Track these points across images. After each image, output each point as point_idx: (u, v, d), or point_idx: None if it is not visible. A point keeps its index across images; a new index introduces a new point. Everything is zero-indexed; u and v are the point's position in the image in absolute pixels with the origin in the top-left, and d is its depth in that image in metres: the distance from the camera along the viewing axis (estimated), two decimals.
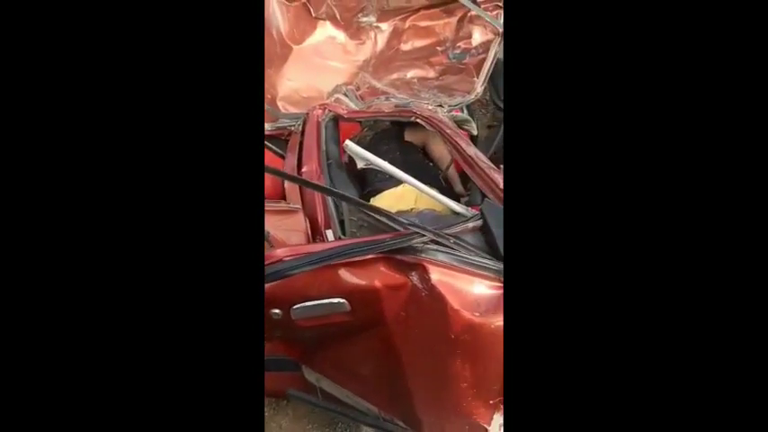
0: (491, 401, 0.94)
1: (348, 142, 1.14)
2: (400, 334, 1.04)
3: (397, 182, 1.55)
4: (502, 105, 2.49)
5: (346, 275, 0.99)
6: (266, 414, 1.54)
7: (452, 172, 1.65)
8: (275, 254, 0.92)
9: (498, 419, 0.95)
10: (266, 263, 0.91)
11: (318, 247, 0.96)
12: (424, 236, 0.92)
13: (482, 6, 1.69)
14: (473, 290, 0.91)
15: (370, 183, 1.60)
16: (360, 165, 1.14)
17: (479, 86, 1.61)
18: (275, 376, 1.35)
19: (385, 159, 1.16)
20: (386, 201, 1.52)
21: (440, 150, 1.71)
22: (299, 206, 1.42)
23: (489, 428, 0.96)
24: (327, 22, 1.96)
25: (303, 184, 1.28)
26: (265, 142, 1.73)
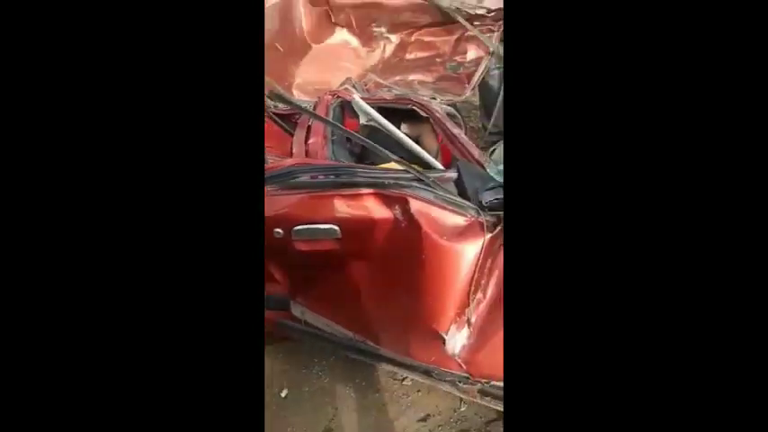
0: (450, 312, 1.12)
1: (355, 97, 1.37)
2: (381, 264, 1.24)
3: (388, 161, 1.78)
4: (494, 130, 2.79)
5: (341, 204, 1.19)
6: None
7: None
8: (284, 163, 1.14)
9: (454, 330, 1.14)
10: (277, 169, 1.12)
11: (319, 162, 1.17)
12: (410, 174, 1.14)
13: (477, 28, 2.00)
14: (444, 219, 1.12)
15: (366, 158, 1.83)
16: (362, 120, 1.37)
17: (468, 91, 1.89)
18: (267, 315, 1.52)
19: (382, 146, 1.39)
20: None
21: (430, 143, 1.96)
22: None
23: (446, 337, 1.14)
24: (345, 29, 2.26)
25: (315, 117, 1.47)
26: (277, 119, 1.96)
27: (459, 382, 1.21)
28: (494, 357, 1.14)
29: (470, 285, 1.11)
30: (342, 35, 2.26)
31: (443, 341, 1.16)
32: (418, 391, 1.51)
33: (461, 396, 1.37)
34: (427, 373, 1.27)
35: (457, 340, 1.15)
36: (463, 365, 1.17)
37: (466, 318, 1.14)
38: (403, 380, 1.55)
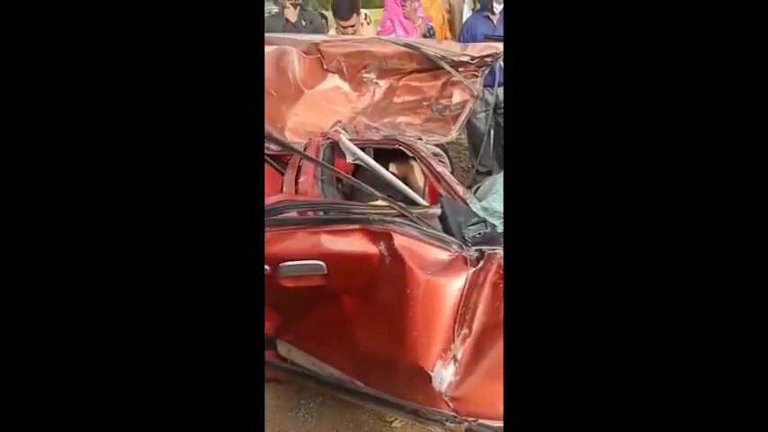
0: (435, 349, 1.11)
1: (342, 137, 1.42)
2: (367, 300, 1.24)
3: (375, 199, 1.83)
4: (482, 169, 2.88)
5: (327, 240, 1.21)
6: None
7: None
8: (270, 199, 1.16)
9: (440, 368, 1.12)
10: (266, 204, 1.15)
11: (306, 198, 1.20)
12: (394, 209, 1.17)
13: (462, 74, 2.10)
14: (427, 254, 1.14)
15: (355, 197, 1.86)
16: (349, 159, 1.42)
17: (454, 132, 1.97)
18: None
19: (370, 184, 1.43)
20: None
21: (417, 182, 2.01)
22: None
23: (432, 375, 1.12)
24: (336, 75, 2.37)
25: (303, 156, 1.51)
26: (269, 160, 2.01)
27: (447, 421, 1.19)
28: (481, 395, 1.12)
29: (455, 320, 1.11)
30: (333, 81, 2.36)
31: (430, 379, 1.14)
32: None
33: None
34: (415, 412, 1.24)
35: (443, 378, 1.14)
36: (450, 404, 1.15)
37: (452, 354, 1.13)
38: (392, 422, 1.50)
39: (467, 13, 3.41)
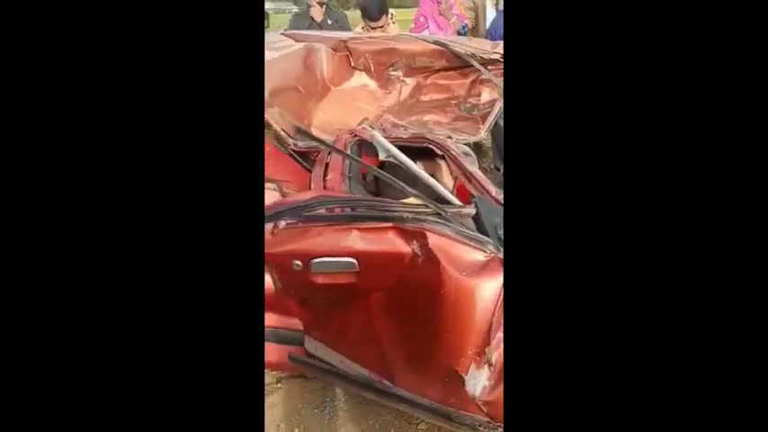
0: (470, 351, 1.09)
1: (374, 133, 1.41)
2: (398, 300, 1.22)
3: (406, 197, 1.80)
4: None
5: (359, 238, 1.20)
6: None
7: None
8: (302, 195, 1.15)
9: (474, 372, 1.10)
10: (302, 199, 1.14)
11: (339, 195, 1.19)
12: (428, 208, 1.15)
13: (491, 71, 2.07)
14: (463, 254, 1.11)
15: (383, 194, 1.85)
16: (381, 156, 1.40)
17: (483, 132, 1.93)
18: (278, 349, 1.49)
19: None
20: None
21: (446, 181, 1.98)
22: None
23: (466, 378, 1.10)
24: (363, 73, 2.36)
25: (338, 152, 1.51)
26: (296, 156, 2.01)
27: (480, 426, 1.16)
28: None
29: (491, 323, 1.08)
30: (360, 79, 2.35)
31: (463, 382, 1.12)
32: None
33: None
34: (447, 416, 1.21)
35: (477, 382, 1.11)
36: (484, 409, 1.12)
37: (486, 358, 1.10)
38: (418, 423, 1.48)
39: (490, 12, 3.37)
